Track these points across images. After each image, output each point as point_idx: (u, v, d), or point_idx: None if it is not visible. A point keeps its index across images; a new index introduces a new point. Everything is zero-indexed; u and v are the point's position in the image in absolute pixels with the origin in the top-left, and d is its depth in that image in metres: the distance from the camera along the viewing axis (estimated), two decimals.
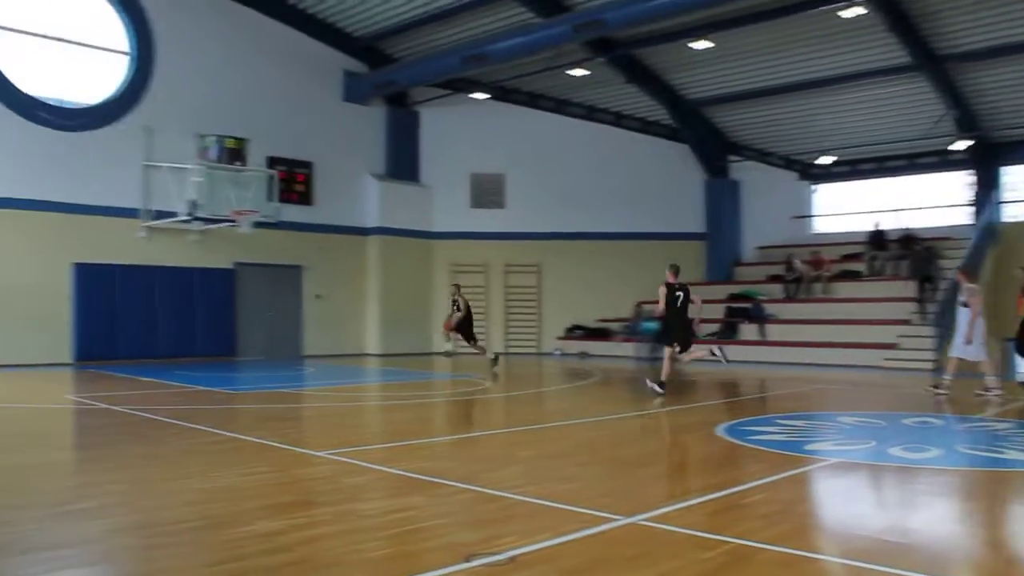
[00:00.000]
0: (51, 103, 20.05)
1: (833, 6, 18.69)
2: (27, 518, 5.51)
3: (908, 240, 23.34)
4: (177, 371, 17.91)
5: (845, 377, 17.38)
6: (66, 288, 19.96)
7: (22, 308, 19.19)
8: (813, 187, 27.66)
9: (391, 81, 24.68)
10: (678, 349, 13.46)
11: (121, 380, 15.92)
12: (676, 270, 13.46)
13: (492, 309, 26.96)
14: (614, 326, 26.10)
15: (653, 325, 24.25)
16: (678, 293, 13.19)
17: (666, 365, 13.33)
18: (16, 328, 19.06)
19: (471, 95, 25.90)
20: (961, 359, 13.35)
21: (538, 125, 27.25)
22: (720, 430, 9.41)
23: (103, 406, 11.81)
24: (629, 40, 22.68)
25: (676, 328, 13.37)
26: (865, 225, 25.17)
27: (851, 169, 26.91)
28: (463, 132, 26.97)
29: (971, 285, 13.40)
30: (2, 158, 19.07)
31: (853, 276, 24.09)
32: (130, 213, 20.90)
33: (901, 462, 7.60)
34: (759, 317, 23.39)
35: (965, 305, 13.17)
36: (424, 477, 6.73)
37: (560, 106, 27.43)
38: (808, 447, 8.44)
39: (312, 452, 7.99)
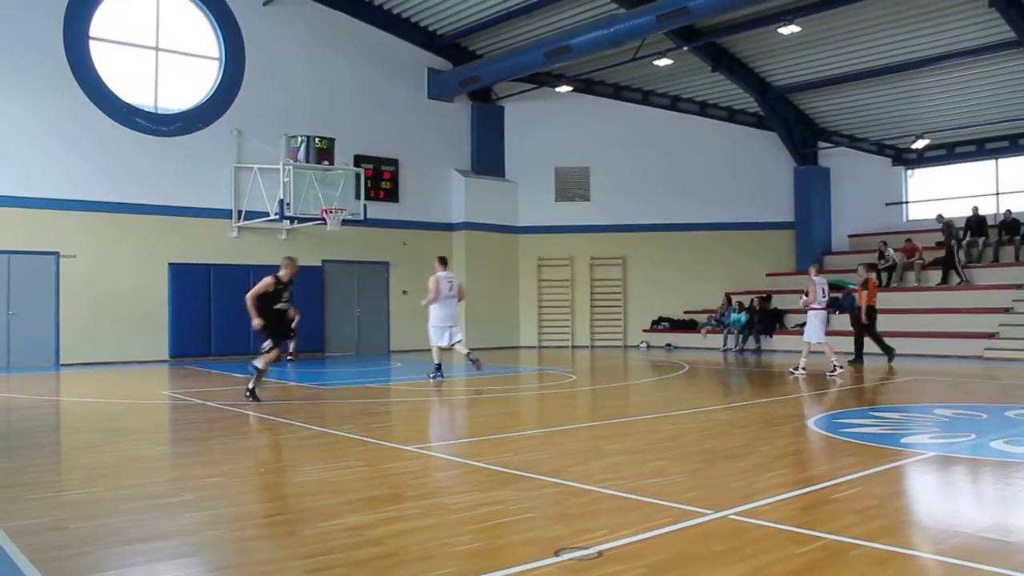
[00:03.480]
0: (147, 109, 20.72)
1: None
2: (128, 510, 5.67)
3: (1011, 225, 22.48)
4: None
5: (942, 368, 16.85)
6: (163, 288, 20.61)
7: (123, 308, 19.96)
8: (909, 171, 26.83)
9: (475, 77, 24.78)
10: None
11: (215, 376, 16.35)
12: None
13: (578, 302, 26.93)
14: (701, 318, 25.83)
15: (742, 317, 23.99)
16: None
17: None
18: (118, 327, 19.85)
19: (555, 88, 25.89)
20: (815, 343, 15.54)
21: (622, 117, 27.10)
22: (812, 423, 9.23)
23: (198, 402, 12.15)
24: (714, 28, 22.38)
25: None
26: (963, 210, 24.26)
27: (947, 153, 25.95)
28: (548, 126, 26.99)
29: (813, 278, 15.59)
30: (102, 164, 19.82)
31: (950, 263, 23.30)
32: (222, 214, 21.50)
33: (1003, 456, 7.30)
34: (850, 307, 22.79)
35: (806, 294, 15.56)
36: (512, 471, 6.74)
37: (644, 97, 27.24)
38: (904, 440, 8.20)
39: (401, 446, 8.06)
